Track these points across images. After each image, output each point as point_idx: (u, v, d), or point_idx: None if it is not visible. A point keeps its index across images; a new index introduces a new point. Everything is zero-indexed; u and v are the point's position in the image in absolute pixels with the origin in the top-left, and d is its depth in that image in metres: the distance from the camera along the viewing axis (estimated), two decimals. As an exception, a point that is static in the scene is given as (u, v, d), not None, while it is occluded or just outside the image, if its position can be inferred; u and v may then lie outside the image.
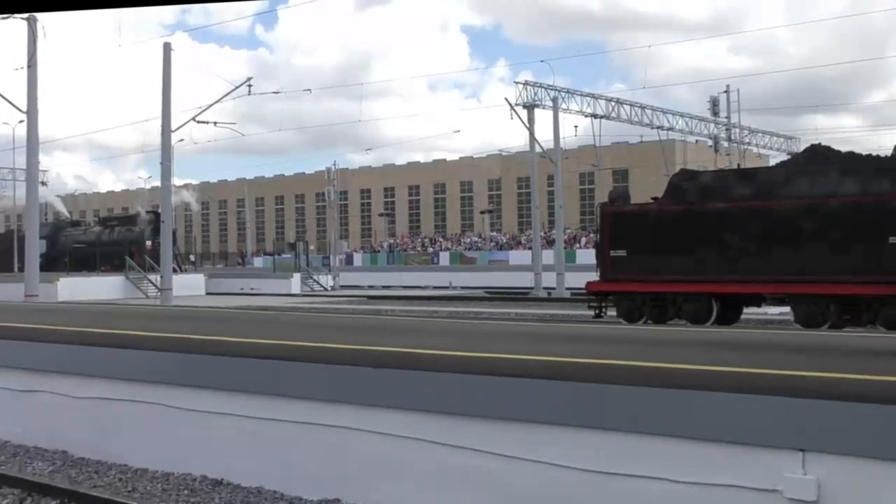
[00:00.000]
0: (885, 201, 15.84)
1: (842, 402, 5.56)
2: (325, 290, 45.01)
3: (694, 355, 8.19)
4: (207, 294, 38.74)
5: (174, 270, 32.95)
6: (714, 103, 45.28)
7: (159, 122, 29.57)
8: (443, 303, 31.41)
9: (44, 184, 48.63)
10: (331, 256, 53.99)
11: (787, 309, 18.24)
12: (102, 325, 13.16)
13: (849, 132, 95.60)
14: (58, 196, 61.16)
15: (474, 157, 79.66)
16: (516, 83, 37.97)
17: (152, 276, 36.46)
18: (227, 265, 77.14)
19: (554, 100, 37.08)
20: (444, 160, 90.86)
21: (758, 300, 18.84)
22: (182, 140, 36.18)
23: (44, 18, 25.84)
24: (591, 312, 19.68)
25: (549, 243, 48.00)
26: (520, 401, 6.72)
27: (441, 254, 65.21)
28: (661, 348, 9.49)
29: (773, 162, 37.40)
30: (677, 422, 6.06)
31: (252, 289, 42.31)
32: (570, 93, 38.59)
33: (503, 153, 60.28)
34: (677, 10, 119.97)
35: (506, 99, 36.61)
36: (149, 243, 39.92)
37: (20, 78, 26.76)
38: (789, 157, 35.79)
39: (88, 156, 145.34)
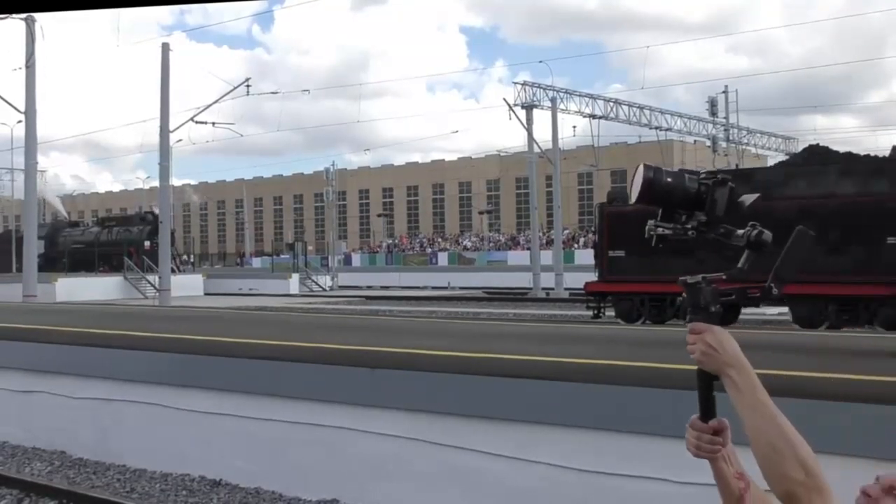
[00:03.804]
0: (883, 202, 15.87)
1: (840, 403, 5.56)
2: (324, 290, 44.98)
3: (692, 355, 8.18)
4: (206, 294, 38.71)
5: (172, 271, 32.92)
6: (712, 104, 45.25)
7: (158, 122, 29.54)
8: (441, 303, 31.40)
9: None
10: (329, 257, 53.98)
11: (785, 309, 18.26)
12: (100, 325, 13.15)
13: (847, 133, 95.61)
14: (56, 196, 61.15)
15: (473, 157, 79.69)
16: (515, 84, 37.92)
17: (150, 277, 36.44)
18: (226, 266, 77.10)
19: (552, 100, 37.07)
20: (443, 161, 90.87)
21: (756, 300, 18.85)
22: (180, 140, 36.06)
23: (42, 19, 25.85)
24: (590, 313, 19.69)
25: (548, 244, 48.02)
26: (519, 401, 6.72)
27: (439, 254, 65.16)
28: (659, 349, 9.49)
29: (771, 162, 37.43)
30: (676, 422, 6.05)
31: (250, 289, 42.26)
32: (569, 93, 38.60)
33: (502, 154, 60.20)
34: (675, 10, 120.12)
35: (504, 99, 36.63)
36: (147, 244, 39.91)
37: (18, 78, 26.76)
38: (788, 157, 35.81)
39: (85, 156, 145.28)
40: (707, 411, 1.83)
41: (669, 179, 1.72)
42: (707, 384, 1.80)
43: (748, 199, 1.72)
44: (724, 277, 1.78)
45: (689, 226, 1.73)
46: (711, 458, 1.82)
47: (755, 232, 1.71)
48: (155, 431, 9.02)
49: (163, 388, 9.04)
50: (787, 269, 1.74)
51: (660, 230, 1.75)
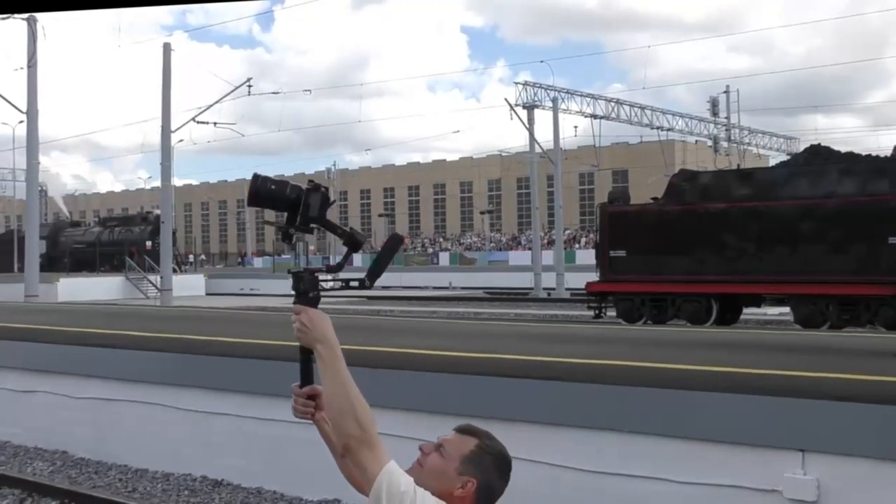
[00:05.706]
0: (884, 202, 15.86)
1: (841, 403, 5.56)
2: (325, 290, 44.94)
3: (693, 356, 8.19)
4: (207, 294, 38.73)
5: (174, 271, 32.93)
6: (713, 103, 45.20)
7: (159, 122, 29.56)
8: (442, 303, 31.39)
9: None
10: (330, 257, 54.02)
11: (786, 309, 18.26)
12: (102, 325, 13.16)
13: (848, 132, 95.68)
14: (60, 196, 61.12)
15: (474, 157, 79.65)
16: (516, 84, 37.89)
17: (152, 277, 36.46)
18: (227, 265, 77.10)
19: (553, 100, 37.03)
20: (444, 160, 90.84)
21: (757, 300, 18.86)
22: (182, 140, 36.06)
23: (43, 19, 25.86)
24: (591, 313, 19.69)
25: (549, 244, 48.00)
26: (519, 401, 6.72)
27: (441, 254, 65.17)
28: (660, 349, 9.49)
29: (772, 162, 37.42)
30: (677, 422, 6.06)
31: (252, 289, 42.26)
32: (570, 93, 38.55)
33: (503, 154, 60.16)
34: (675, 9, 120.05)
35: (505, 99, 36.58)
36: (149, 244, 39.91)
37: (20, 78, 26.77)
38: (789, 157, 35.79)
39: (87, 156, 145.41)
40: (304, 379, 2.20)
41: (273, 187, 2.07)
42: (305, 356, 2.17)
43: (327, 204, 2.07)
44: (323, 269, 2.15)
45: (296, 224, 2.06)
46: (308, 419, 2.21)
47: (349, 233, 2.08)
48: (156, 431, 9.03)
49: (164, 388, 9.05)
50: (379, 267, 2.10)
51: (285, 229, 2.10)
